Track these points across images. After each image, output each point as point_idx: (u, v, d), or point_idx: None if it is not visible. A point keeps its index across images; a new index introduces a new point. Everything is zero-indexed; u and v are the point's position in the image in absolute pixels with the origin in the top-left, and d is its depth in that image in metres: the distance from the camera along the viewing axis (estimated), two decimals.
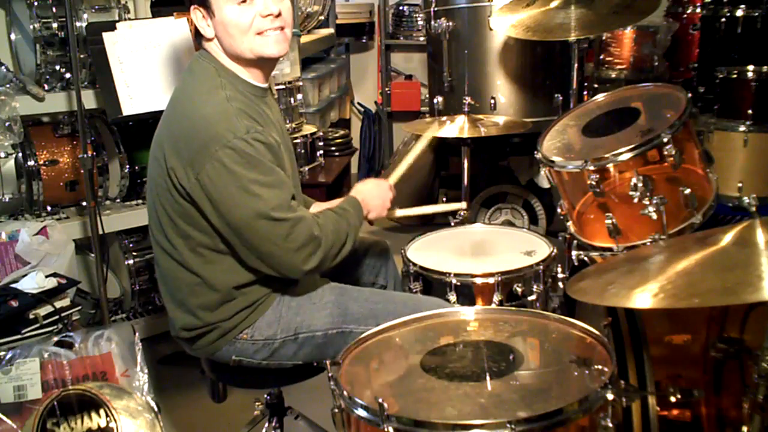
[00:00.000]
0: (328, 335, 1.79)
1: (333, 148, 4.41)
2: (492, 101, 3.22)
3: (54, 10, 2.61)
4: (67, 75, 2.67)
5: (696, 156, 1.99)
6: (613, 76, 4.08)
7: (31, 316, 2.05)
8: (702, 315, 1.56)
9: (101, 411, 1.73)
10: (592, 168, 1.92)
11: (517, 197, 3.89)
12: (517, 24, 2.62)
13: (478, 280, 2.04)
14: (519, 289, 2.05)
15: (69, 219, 2.75)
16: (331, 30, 4.95)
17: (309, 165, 3.86)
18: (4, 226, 2.56)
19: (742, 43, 3.73)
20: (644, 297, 1.21)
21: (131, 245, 3.00)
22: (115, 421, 1.72)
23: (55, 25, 2.61)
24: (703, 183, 1.99)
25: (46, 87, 2.66)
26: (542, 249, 2.19)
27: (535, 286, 2.08)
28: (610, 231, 1.91)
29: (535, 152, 2.11)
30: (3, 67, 2.65)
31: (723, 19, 3.78)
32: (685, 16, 4.18)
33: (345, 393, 1.32)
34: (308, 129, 3.83)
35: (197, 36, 1.79)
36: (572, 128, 2.20)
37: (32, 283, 2.12)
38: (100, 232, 2.53)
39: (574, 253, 2.01)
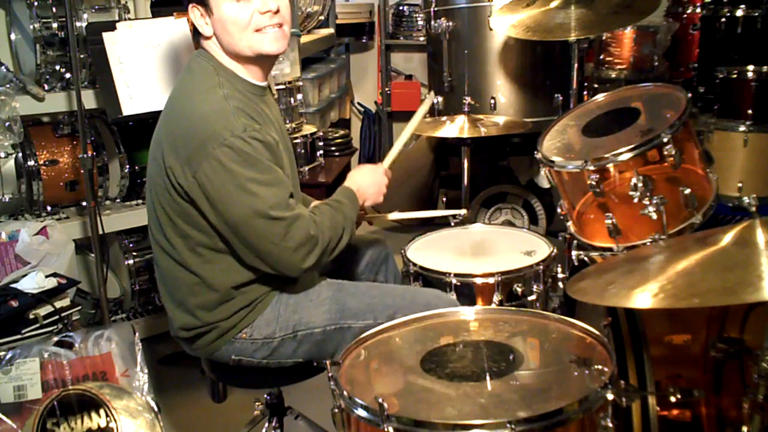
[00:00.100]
0: (327, 332, 1.79)
1: (333, 148, 4.40)
2: (492, 101, 3.22)
3: (54, 10, 2.61)
4: (67, 75, 2.67)
5: (696, 156, 1.99)
6: (613, 76, 4.07)
7: (31, 316, 2.05)
8: (702, 315, 1.56)
9: (101, 411, 1.73)
10: (592, 168, 1.92)
11: (517, 197, 3.89)
12: (517, 24, 2.62)
13: (478, 280, 2.04)
14: (519, 289, 2.05)
15: (69, 219, 2.75)
16: (331, 30, 4.94)
17: (309, 165, 3.86)
18: (4, 226, 2.56)
19: (742, 43, 3.73)
20: (644, 297, 1.21)
21: (131, 245, 3.00)
22: (115, 421, 1.72)
23: (55, 25, 2.61)
24: (703, 183, 1.99)
25: (46, 87, 2.66)
26: (542, 249, 2.19)
27: (535, 286, 2.08)
28: (610, 231, 1.91)
29: (535, 152, 2.11)
30: (3, 67, 2.65)
31: (723, 19, 3.78)
32: (685, 16, 4.17)
33: (345, 393, 1.32)
34: (308, 129, 3.83)
35: (195, 35, 1.79)
36: (572, 128, 2.20)
37: (32, 283, 2.12)
38: (100, 232, 2.53)
39: (574, 253, 2.01)
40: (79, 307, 2.23)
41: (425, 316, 1.62)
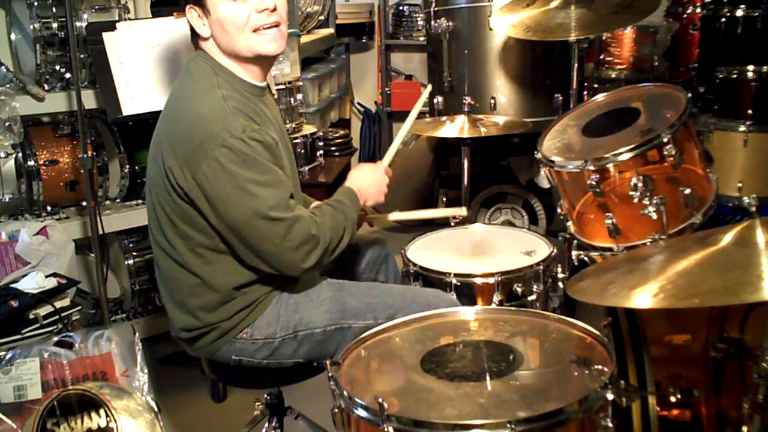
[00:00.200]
0: (327, 332, 1.79)
1: (333, 148, 4.40)
2: (492, 101, 3.22)
3: (54, 10, 2.61)
4: (67, 75, 2.67)
5: (696, 156, 1.99)
6: (613, 76, 4.07)
7: (31, 316, 2.05)
8: (702, 315, 1.56)
9: (101, 411, 1.73)
10: (592, 168, 1.92)
11: (517, 197, 3.89)
12: (517, 24, 2.62)
13: (478, 280, 2.04)
14: (519, 289, 2.05)
15: (69, 219, 2.75)
16: (331, 30, 4.94)
17: (309, 165, 3.86)
18: (4, 226, 2.56)
19: (742, 43, 3.73)
20: (644, 297, 1.21)
21: (131, 245, 3.00)
22: (115, 421, 1.72)
23: (55, 25, 2.61)
24: (703, 183, 1.99)
25: (46, 87, 2.66)
26: (542, 249, 2.19)
27: (535, 286, 2.08)
28: (610, 231, 1.91)
29: (535, 152, 2.11)
30: (3, 67, 2.65)
31: (723, 19, 3.78)
32: (685, 16, 4.17)
33: (345, 393, 1.32)
34: (308, 129, 3.83)
35: (193, 36, 1.78)
36: (572, 128, 2.20)
37: (32, 283, 2.12)
38: (100, 232, 2.53)
39: (574, 253, 2.01)
40: (79, 307, 2.23)
41: (425, 316, 1.62)
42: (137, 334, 1.94)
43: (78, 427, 1.71)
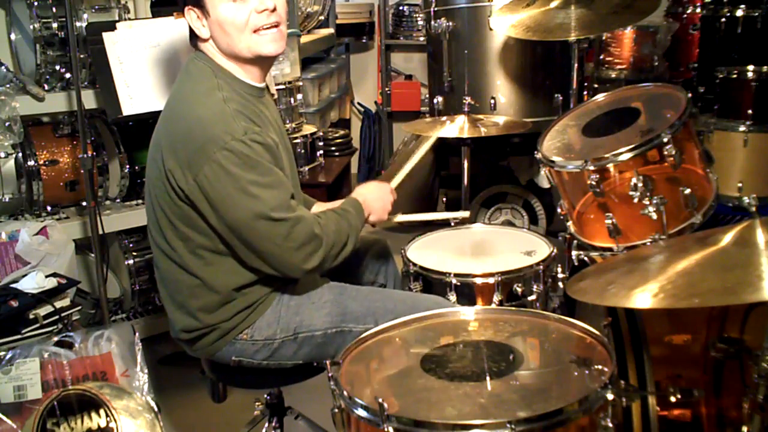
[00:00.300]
0: (328, 334, 1.79)
1: (333, 148, 4.40)
2: (492, 101, 3.22)
3: (54, 10, 2.61)
4: (67, 75, 2.67)
5: (696, 156, 1.99)
6: (613, 76, 4.08)
7: (31, 316, 2.05)
8: (702, 315, 1.56)
9: (101, 411, 1.73)
10: (592, 168, 1.91)
11: (517, 197, 3.89)
12: (517, 24, 2.62)
13: (478, 280, 2.04)
14: (519, 289, 2.05)
15: (69, 219, 2.75)
16: (331, 30, 4.95)
17: (309, 165, 3.86)
18: (4, 226, 2.56)
19: (742, 43, 3.73)
20: (644, 297, 1.21)
21: (131, 245, 3.00)
22: (115, 421, 1.72)
23: (55, 25, 2.61)
24: (703, 183, 1.99)
25: (46, 87, 2.66)
26: (542, 249, 2.19)
27: (535, 286, 2.08)
28: (610, 231, 1.91)
29: (535, 152, 2.11)
30: (3, 67, 2.65)
31: (723, 19, 3.78)
32: (685, 16, 4.17)
33: (345, 393, 1.32)
34: (308, 129, 3.83)
35: (192, 37, 1.78)
36: (572, 128, 2.20)
37: (32, 283, 2.12)
38: (100, 232, 2.53)
39: (574, 253, 2.01)
40: (79, 307, 2.23)
41: (425, 316, 1.62)
42: (137, 334, 1.94)
43: (78, 427, 1.71)
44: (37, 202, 2.69)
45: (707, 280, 1.20)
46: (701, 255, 1.27)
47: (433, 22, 3.31)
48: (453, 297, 2.03)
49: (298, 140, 3.70)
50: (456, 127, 2.59)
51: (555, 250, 2.15)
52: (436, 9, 3.31)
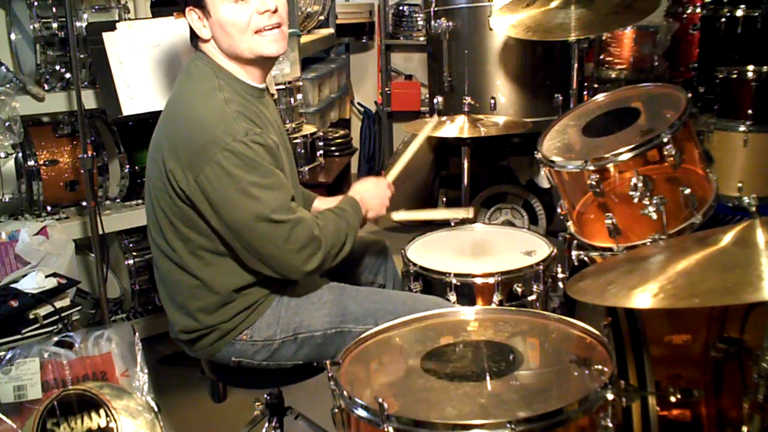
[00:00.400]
0: (327, 335, 1.79)
1: (333, 148, 4.40)
2: (492, 101, 3.22)
3: (54, 10, 2.61)
4: (67, 75, 2.67)
5: (696, 156, 1.99)
6: (613, 76, 4.08)
7: (31, 316, 2.05)
8: (702, 315, 1.56)
9: (101, 411, 1.73)
10: (592, 168, 1.92)
11: (517, 197, 3.89)
12: (517, 24, 2.62)
13: (478, 280, 2.04)
14: (519, 289, 2.05)
15: (69, 219, 2.75)
16: (331, 30, 4.94)
17: (309, 165, 3.86)
18: (4, 226, 2.56)
19: (742, 43, 3.73)
20: (644, 297, 1.21)
21: (131, 245, 3.00)
22: (115, 421, 1.72)
23: (55, 25, 2.61)
24: (703, 183, 1.99)
25: (46, 87, 2.66)
26: (542, 249, 2.19)
27: (535, 286, 2.08)
28: (610, 231, 1.91)
29: (535, 152, 2.11)
30: (3, 67, 2.65)
31: (723, 19, 3.78)
32: (685, 16, 4.17)
33: (345, 393, 1.32)
34: (308, 129, 3.83)
35: (193, 37, 1.78)
36: (572, 128, 2.20)
37: (32, 283, 2.12)
38: (100, 232, 2.53)
39: (574, 253, 2.01)
40: (79, 307, 2.23)
41: (425, 316, 1.62)
42: (137, 334, 1.94)
43: (78, 427, 1.71)
44: (37, 202, 2.69)
45: (707, 280, 1.20)
46: (701, 255, 1.27)
47: (433, 22, 3.31)
48: (453, 297, 2.04)
49: (298, 140, 3.70)
50: (456, 127, 2.59)
51: (555, 250, 2.15)
52: (436, 9, 3.31)
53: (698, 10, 4.11)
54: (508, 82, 3.24)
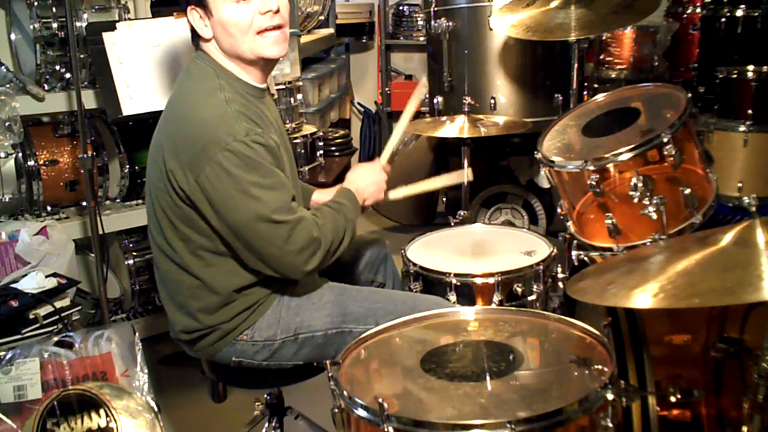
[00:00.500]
0: (328, 335, 1.79)
1: (333, 148, 4.41)
2: (492, 101, 3.22)
3: (54, 10, 2.61)
4: (67, 75, 2.67)
5: (696, 156, 1.99)
6: (613, 76, 4.08)
7: (31, 316, 2.05)
8: (702, 315, 1.56)
9: (101, 411, 1.73)
10: (592, 168, 1.92)
11: (517, 197, 3.89)
12: (517, 24, 2.62)
13: (478, 280, 2.04)
14: (519, 289, 2.05)
15: (69, 219, 2.75)
16: (331, 30, 4.95)
17: (309, 165, 3.86)
18: (4, 226, 2.56)
19: (742, 43, 3.73)
20: (644, 297, 1.21)
21: (131, 245, 3.00)
22: (115, 421, 1.72)
23: (55, 25, 2.61)
24: (703, 183, 1.99)
25: (46, 87, 2.66)
26: (542, 249, 2.19)
27: (535, 286, 2.08)
28: (610, 231, 1.91)
29: (535, 152, 2.11)
30: (3, 67, 2.65)
31: (723, 19, 3.78)
32: (685, 16, 4.18)
33: (345, 393, 1.32)
34: (308, 129, 3.83)
35: (194, 37, 1.78)
36: (572, 128, 2.20)
37: (32, 283, 2.12)
38: (100, 232, 2.53)
39: (574, 253, 2.01)
40: (79, 307, 2.23)
41: (425, 316, 1.62)
42: (137, 334, 1.94)
43: (78, 427, 1.71)
44: (37, 202, 2.69)
45: (707, 280, 1.20)
46: (701, 255, 1.27)
47: (433, 22, 3.31)
48: (453, 297, 2.04)
49: (298, 140, 3.70)
50: (456, 127, 2.59)
51: (555, 250, 2.15)
52: (436, 9, 3.31)
53: (698, 10, 4.11)
54: (508, 82, 3.24)
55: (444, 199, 4.12)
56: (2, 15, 2.78)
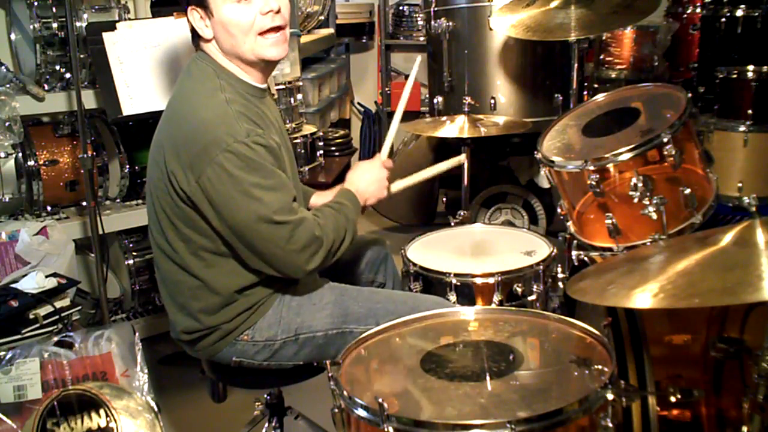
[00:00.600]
0: (329, 336, 1.79)
1: (333, 148, 4.41)
2: (492, 101, 3.22)
3: (54, 10, 2.61)
4: (67, 75, 2.67)
5: (696, 156, 1.99)
6: (613, 76, 4.08)
7: (31, 316, 2.05)
8: (702, 315, 1.56)
9: (101, 411, 1.73)
10: (592, 168, 1.92)
11: (517, 197, 3.89)
12: (517, 24, 2.62)
13: (478, 280, 2.04)
14: (519, 289, 2.05)
15: (69, 219, 2.75)
16: (331, 30, 4.94)
17: (309, 165, 3.86)
18: (4, 226, 2.56)
19: (742, 43, 3.73)
20: (644, 297, 1.21)
21: (131, 245, 3.00)
22: (115, 421, 1.72)
23: (55, 25, 2.61)
24: (703, 183, 1.99)
25: (46, 87, 2.66)
26: (542, 249, 2.19)
27: (535, 286, 2.08)
28: (610, 231, 1.91)
29: (535, 152, 2.11)
30: (3, 67, 2.65)
31: (723, 19, 3.78)
32: (685, 16, 4.18)
33: (345, 393, 1.32)
34: (308, 129, 3.83)
35: (194, 37, 1.78)
36: (572, 128, 2.20)
37: (32, 283, 2.12)
38: (100, 232, 2.53)
39: (574, 253, 2.01)
40: (79, 307, 2.23)
41: (425, 316, 1.62)
42: (137, 334, 1.94)
43: (78, 427, 1.71)
44: (37, 202, 2.69)
45: (707, 280, 1.20)
46: (701, 255, 1.27)
47: (433, 22, 3.32)
48: (453, 297, 2.04)
49: (298, 140, 3.70)
50: (456, 127, 2.59)
51: (555, 250, 2.15)
52: (436, 9, 3.31)
53: (698, 10, 4.11)
54: (508, 82, 3.25)
55: (444, 199, 4.12)
56: (2, 15, 2.78)
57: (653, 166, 1.88)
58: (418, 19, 5.12)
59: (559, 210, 2.16)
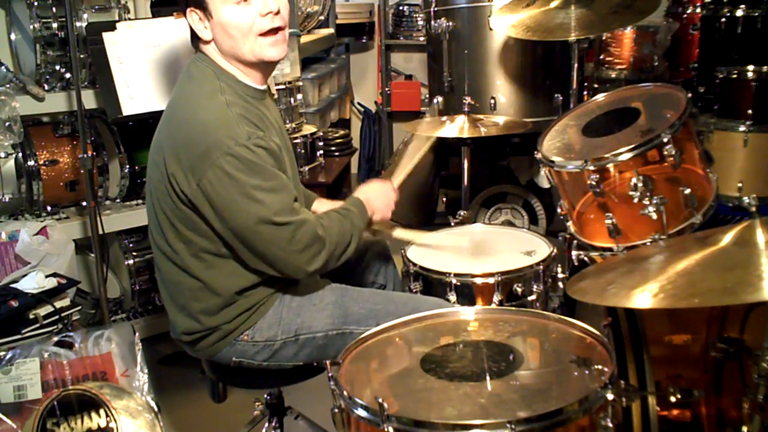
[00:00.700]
0: (329, 336, 1.79)
1: (333, 148, 4.41)
2: (492, 101, 3.22)
3: (54, 10, 2.61)
4: (67, 75, 2.67)
5: (696, 156, 1.99)
6: (613, 76, 4.07)
7: (31, 316, 2.05)
8: (702, 315, 1.56)
9: (101, 411, 1.73)
10: (592, 168, 1.92)
11: (517, 197, 3.89)
12: (517, 24, 2.62)
13: (478, 280, 2.03)
14: (519, 289, 2.05)
15: (69, 219, 2.75)
16: (331, 30, 4.95)
17: (309, 165, 3.86)
18: (4, 226, 2.56)
19: (742, 43, 3.73)
20: (644, 297, 1.21)
21: (131, 245, 3.00)
22: (115, 421, 1.72)
23: (55, 25, 2.61)
24: (703, 183, 1.99)
25: (46, 87, 2.66)
26: (542, 249, 2.19)
27: (535, 286, 2.08)
28: (610, 231, 1.91)
29: (535, 152, 2.11)
30: (3, 67, 2.65)
31: (723, 19, 3.78)
32: (685, 16, 4.18)
33: (345, 393, 1.32)
34: (308, 129, 3.83)
35: (193, 38, 1.77)
36: (572, 128, 2.20)
37: (32, 283, 2.12)
38: (100, 232, 2.53)
39: (574, 253, 2.01)
40: (79, 307, 2.23)
41: (425, 316, 1.62)
42: (137, 334, 1.94)
43: (78, 427, 1.71)
44: (37, 202, 2.69)
45: (707, 280, 1.20)
46: (701, 255, 1.27)
47: (433, 22, 3.31)
48: (453, 297, 2.03)
49: (298, 140, 3.70)
50: (456, 127, 2.59)
51: (555, 250, 2.15)
52: (436, 9, 3.31)
53: (698, 10, 4.11)
54: (508, 82, 3.24)
55: (444, 199, 4.12)
56: (2, 15, 2.78)
57: (653, 166, 1.88)
58: (418, 19, 5.12)
59: (559, 210, 2.16)
